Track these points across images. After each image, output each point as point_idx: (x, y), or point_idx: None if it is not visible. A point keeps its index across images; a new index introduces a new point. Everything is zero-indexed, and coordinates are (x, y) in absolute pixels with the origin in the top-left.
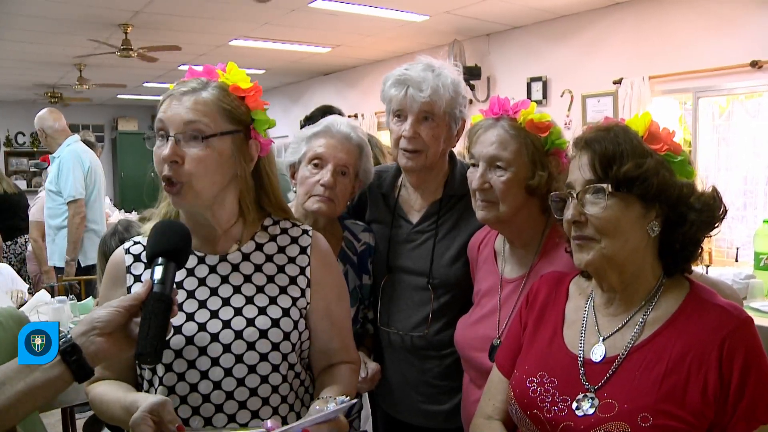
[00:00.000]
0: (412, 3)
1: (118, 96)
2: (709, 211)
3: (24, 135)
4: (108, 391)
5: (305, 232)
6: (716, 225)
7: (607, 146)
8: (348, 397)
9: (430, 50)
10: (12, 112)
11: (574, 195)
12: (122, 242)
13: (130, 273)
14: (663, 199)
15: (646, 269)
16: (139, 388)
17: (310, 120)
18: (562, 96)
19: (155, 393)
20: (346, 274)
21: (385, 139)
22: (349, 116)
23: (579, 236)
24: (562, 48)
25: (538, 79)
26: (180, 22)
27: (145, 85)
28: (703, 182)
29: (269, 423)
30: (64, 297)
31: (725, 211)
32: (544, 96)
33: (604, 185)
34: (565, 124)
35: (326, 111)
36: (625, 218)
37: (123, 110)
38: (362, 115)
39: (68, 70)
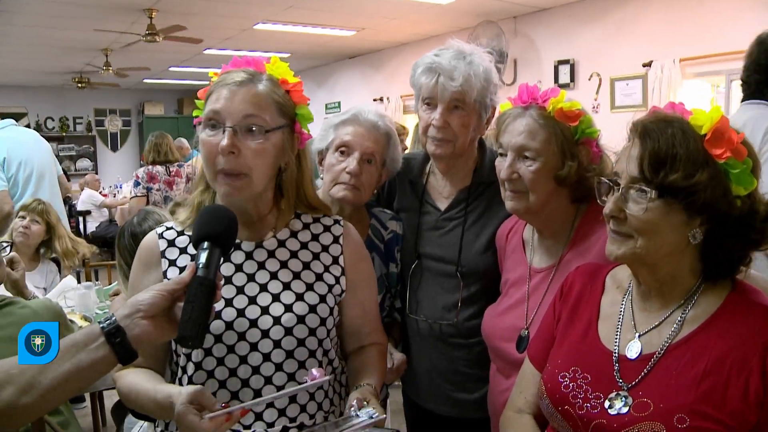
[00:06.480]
0: None
1: (145, 80)
2: (760, 230)
3: (53, 120)
4: (137, 382)
5: (337, 221)
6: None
7: (661, 145)
8: (377, 413)
9: (456, 33)
10: (41, 97)
11: (619, 188)
12: (134, 235)
13: (165, 257)
14: (710, 213)
15: (683, 269)
16: (172, 375)
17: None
18: (590, 79)
19: (187, 378)
20: (373, 261)
21: (411, 123)
22: (375, 100)
23: (616, 231)
24: (590, 30)
25: (566, 62)
26: (205, 6)
27: (171, 69)
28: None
29: (314, 371)
30: (90, 283)
31: None
32: (572, 79)
33: (648, 189)
34: (593, 107)
35: None
36: (665, 223)
37: (149, 94)
38: (387, 99)
39: (95, 55)
